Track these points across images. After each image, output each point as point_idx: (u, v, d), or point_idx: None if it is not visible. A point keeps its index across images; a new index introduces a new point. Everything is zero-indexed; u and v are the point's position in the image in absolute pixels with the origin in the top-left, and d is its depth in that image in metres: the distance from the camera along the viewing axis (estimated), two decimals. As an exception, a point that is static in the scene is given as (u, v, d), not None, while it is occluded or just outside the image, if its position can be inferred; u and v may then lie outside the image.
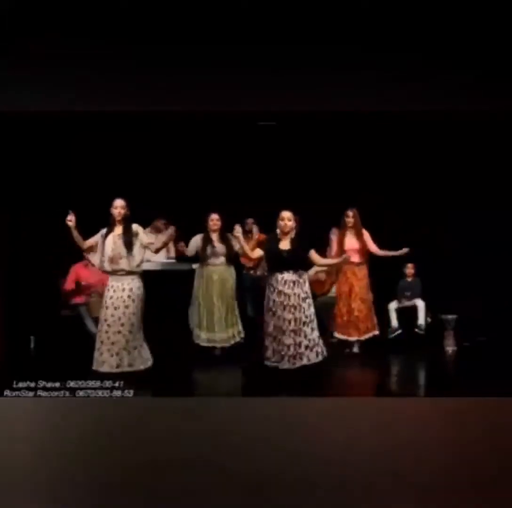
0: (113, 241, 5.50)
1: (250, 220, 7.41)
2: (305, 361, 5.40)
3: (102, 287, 7.09)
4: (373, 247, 6.68)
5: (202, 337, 6.36)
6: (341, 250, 6.54)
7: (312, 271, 6.54)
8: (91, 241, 5.65)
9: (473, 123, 6.64)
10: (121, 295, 5.45)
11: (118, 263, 5.46)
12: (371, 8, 5.64)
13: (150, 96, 5.93)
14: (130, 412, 4.64)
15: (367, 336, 6.64)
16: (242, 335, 6.50)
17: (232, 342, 6.43)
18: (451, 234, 7.46)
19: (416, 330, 7.08)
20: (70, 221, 5.47)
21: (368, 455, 4.41)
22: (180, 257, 6.90)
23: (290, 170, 7.60)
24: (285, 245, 5.52)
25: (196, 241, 6.46)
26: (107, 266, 5.51)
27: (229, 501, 4.33)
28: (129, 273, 5.48)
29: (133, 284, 5.49)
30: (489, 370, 5.91)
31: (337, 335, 6.71)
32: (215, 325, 6.35)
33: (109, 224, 5.59)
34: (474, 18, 5.69)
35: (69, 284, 7.07)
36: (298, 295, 5.43)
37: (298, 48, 5.75)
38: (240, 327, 6.49)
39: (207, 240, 6.40)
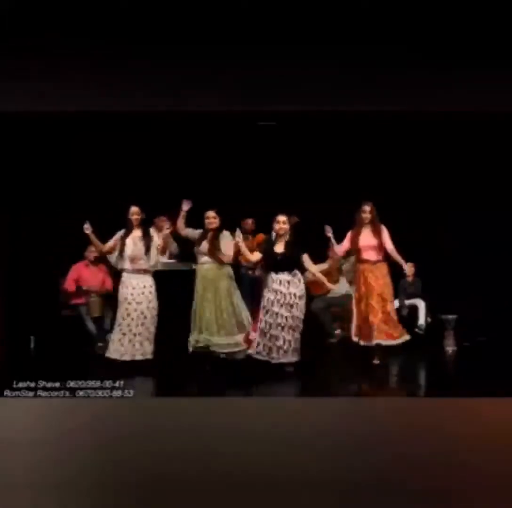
0: (133, 243, 6.06)
1: (250, 221, 7.39)
2: (296, 357, 5.73)
3: (102, 287, 7.14)
4: (388, 245, 6.10)
5: (192, 339, 5.97)
6: (355, 248, 6.12)
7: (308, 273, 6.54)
8: (110, 245, 6.15)
9: (473, 123, 6.64)
10: (143, 292, 6.01)
11: (139, 263, 6.03)
12: (371, 8, 5.65)
13: (150, 96, 5.94)
14: (130, 412, 4.64)
15: (399, 341, 6.05)
16: (243, 347, 5.95)
17: (230, 350, 5.96)
18: (451, 234, 7.46)
19: (416, 330, 7.07)
20: (87, 229, 6.02)
21: (367, 454, 4.41)
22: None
23: (290, 170, 7.59)
24: (279, 248, 5.83)
25: (194, 234, 6.14)
26: (128, 265, 6.05)
27: (229, 501, 4.33)
28: (147, 271, 6.06)
29: (150, 282, 6.06)
30: (489, 370, 5.91)
31: (362, 342, 6.04)
32: (206, 327, 5.94)
33: (127, 228, 6.14)
34: (476, 17, 5.69)
35: (68, 284, 7.07)
36: (294, 294, 5.72)
37: (298, 48, 5.76)
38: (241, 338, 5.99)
39: (201, 238, 6.06)
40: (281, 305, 5.68)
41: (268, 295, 5.73)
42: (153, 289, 6.02)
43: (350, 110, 6.06)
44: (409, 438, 4.44)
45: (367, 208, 6.13)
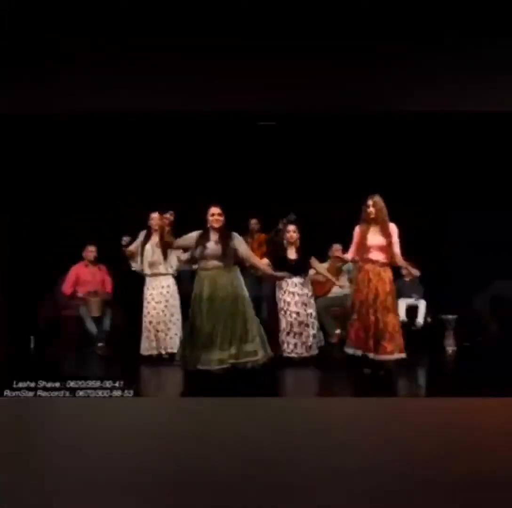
0: (152, 249, 6.36)
1: (253, 221, 7.41)
2: (316, 350, 6.18)
3: (101, 288, 7.14)
4: (396, 249, 5.48)
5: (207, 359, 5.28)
6: (364, 248, 5.51)
7: (311, 272, 6.60)
8: (131, 249, 6.42)
9: (472, 123, 6.65)
10: (161, 292, 6.36)
11: (158, 268, 6.37)
12: (372, 8, 5.65)
13: (150, 96, 5.94)
14: (130, 412, 4.64)
15: (395, 357, 5.42)
16: (260, 355, 5.32)
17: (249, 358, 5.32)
18: (451, 234, 7.47)
19: (413, 328, 7.08)
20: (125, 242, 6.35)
21: (367, 455, 4.41)
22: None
23: (290, 170, 7.60)
24: (292, 254, 6.29)
25: (191, 238, 5.55)
26: (148, 270, 6.39)
27: (229, 502, 4.33)
28: (166, 274, 6.41)
29: (169, 282, 6.40)
30: (489, 370, 5.91)
31: (357, 352, 5.50)
32: (204, 344, 5.30)
33: (147, 233, 6.42)
34: (477, 16, 5.69)
35: (67, 287, 7.02)
36: (307, 294, 6.24)
37: (299, 48, 5.76)
38: (259, 345, 5.33)
39: (202, 239, 5.47)
40: (298, 305, 6.16)
41: (284, 297, 6.20)
42: (171, 289, 6.37)
43: (350, 110, 6.07)
44: (409, 438, 4.44)
45: (370, 202, 5.56)
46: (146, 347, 6.31)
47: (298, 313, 6.17)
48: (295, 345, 6.13)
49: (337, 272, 7.09)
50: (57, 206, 7.53)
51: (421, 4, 5.67)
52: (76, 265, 7.12)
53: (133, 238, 6.41)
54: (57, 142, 7.39)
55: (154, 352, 6.28)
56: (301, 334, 6.15)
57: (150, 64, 5.87)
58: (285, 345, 6.14)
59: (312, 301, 6.28)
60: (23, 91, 5.87)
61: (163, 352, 6.28)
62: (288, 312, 6.17)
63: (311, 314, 6.22)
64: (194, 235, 5.52)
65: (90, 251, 7.04)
